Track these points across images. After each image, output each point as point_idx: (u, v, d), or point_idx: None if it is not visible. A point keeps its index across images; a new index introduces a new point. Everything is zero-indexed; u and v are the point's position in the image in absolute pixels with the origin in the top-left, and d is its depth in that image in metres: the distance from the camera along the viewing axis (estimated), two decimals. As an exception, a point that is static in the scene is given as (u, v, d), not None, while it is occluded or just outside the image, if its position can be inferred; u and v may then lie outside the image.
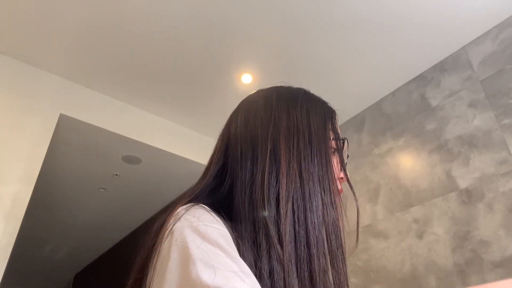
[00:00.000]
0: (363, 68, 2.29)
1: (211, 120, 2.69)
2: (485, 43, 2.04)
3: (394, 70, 2.31)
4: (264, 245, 0.45)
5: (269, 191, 0.49)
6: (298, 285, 0.44)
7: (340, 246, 0.50)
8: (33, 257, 4.80)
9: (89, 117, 2.32)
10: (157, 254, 0.42)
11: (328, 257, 0.48)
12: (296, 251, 0.46)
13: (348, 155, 0.60)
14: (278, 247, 0.45)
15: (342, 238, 0.51)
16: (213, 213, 0.45)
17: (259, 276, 0.42)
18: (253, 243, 0.45)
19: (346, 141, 0.59)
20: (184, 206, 0.46)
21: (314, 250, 0.47)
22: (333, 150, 0.57)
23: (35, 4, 1.86)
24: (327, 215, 0.50)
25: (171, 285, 0.36)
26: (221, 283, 0.34)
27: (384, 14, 1.94)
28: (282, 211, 0.47)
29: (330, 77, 2.35)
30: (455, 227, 1.87)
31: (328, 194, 0.52)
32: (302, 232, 0.47)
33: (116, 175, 2.99)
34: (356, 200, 0.56)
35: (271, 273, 0.43)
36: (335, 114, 0.61)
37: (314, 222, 0.48)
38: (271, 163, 0.51)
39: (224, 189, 0.53)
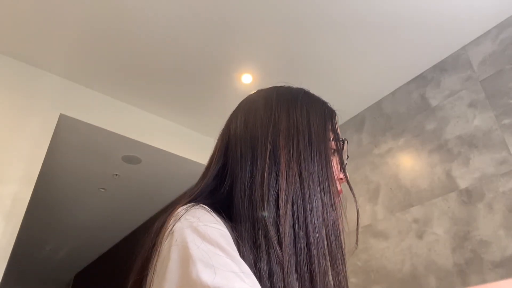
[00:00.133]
0: (363, 68, 2.29)
1: (211, 120, 2.69)
2: (485, 43, 2.04)
3: (394, 70, 2.31)
4: (263, 245, 0.45)
5: (268, 191, 0.49)
6: (298, 286, 0.44)
7: (340, 247, 0.50)
8: (33, 257, 4.80)
9: (89, 117, 2.32)
10: (157, 254, 0.42)
11: (328, 258, 0.48)
12: (295, 252, 0.46)
13: (348, 156, 0.60)
14: (278, 248, 0.45)
15: (342, 239, 0.51)
16: (213, 213, 0.45)
17: (258, 277, 0.42)
18: (252, 244, 0.45)
19: (346, 142, 0.59)
20: (184, 206, 0.46)
21: (314, 251, 0.47)
22: (333, 150, 0.57)
23: (35, 4, 1.86)
24: (327, 216, 0.50)
25: (171, 285, 0.36)
26: (221, 283, 0.34)
27: (384, 14, 1.94)
28: (281, 212, 0.47)
29: (330, 77, 2.35)
30: (455, 227, 1.87)
31: (328, 195, 0.51)
32: (302, 233, 0.47)
33: (116, 175, 2.99)
34: (355, 201, 0.56)
35: (270, 274, 0.43)
36: (335, 115, 0.61)
37: (314, 223, 0.48)
38: (270, 163, 0.51)
39: (224, 189, 0.52)
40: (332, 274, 0.48)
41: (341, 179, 0.57)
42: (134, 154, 2.70)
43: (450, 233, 1.88)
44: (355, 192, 0.56)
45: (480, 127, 1.92)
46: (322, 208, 0.50)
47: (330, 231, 0.49)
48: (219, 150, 0.57)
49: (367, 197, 2.36)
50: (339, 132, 0.59)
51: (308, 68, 2.28)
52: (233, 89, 2.42)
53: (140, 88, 2.43)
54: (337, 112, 0.62)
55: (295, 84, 0.64)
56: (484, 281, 1.69)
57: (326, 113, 0.59)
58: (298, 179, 0.50)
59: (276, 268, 0.44)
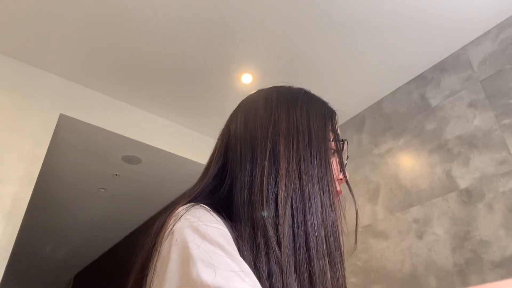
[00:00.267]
0: (363, 68, 2.29)
1: (211, 120, 2.69)
2: (485, 43, 2.04)
3: (394, 70, 2.31)
4: (262, 246, 0.45)
5: (268, 192, 0.49)
6: (297, 287, 0.44)
7: (339, 247, 0.50)
8: (33, 257, 4.80)
9: (89, 117, 2.33)
10: (157, 254, 0.42)
11: (327, 259, 0.48)
12: (295, 252, 0.46)
13: (347, 156, 0.60)
14: (277, 248, 0.45)
15: (341, 240, 0.51)
16: (213, 213, 0.46)
17: (258, 277, 0.42)
18: (252, 244, 0.45)
19: (346, 142, 0.59)
20: (184, 206, 0.46)
21: (313, 252, 0.47)
22: (332, 151, 0.57)
23: (35, 4, 1.86)
24: (326, 216, 0.50)
25: (172, 285, 0.36)
26: (221, 282, 0.34)
27: (384, 14, 1.94)
28: (280, 212, 0.47)
29: (330, 77, 2.35)
30: (455, 227, 1.87)
31: (327, 195, 0.51)
32: (301, 233, 0.47)
33: (116, 175, 2.99)
34: (355, 202, 0.56)
35: (269, 274, 0.43)
36: (335, 115, 0.61)
37: (313, 223, 0.48)
38: (270, 163, 0.51)
39: (224, 189, 0.52)
40: (330, 275, 0.48)
41: (341, 179, 0.57)
42: (134, 154, 2.70)
43: (450, 233, 1.88)
44: (355, 192, 0.56)
45: (480, 127, 1.92)
46: (321, 208, 0.50)
47: (329, 231, 0.49)
48: (219, 150, 0.57)
49: (367, 197, 2.36)
50: (339, 132, 0.59)
51: (308, 68, 2.28)
52: (233, 89, 2.42)
53: (140, 88, 2.43)
54: (337, 112, 0.62)
55: (295, 84, 0.64)
56: (484, 281, 1.69)
57: (326, 113, 0.59)
58: (297, 180, 0.50)
59: (275, 268, 0.44)
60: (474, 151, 1.91)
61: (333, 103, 0.63)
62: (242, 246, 0.44)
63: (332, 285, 0.48)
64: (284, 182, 0.49)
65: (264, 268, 0.43)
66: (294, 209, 0.48)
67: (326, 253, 0.48)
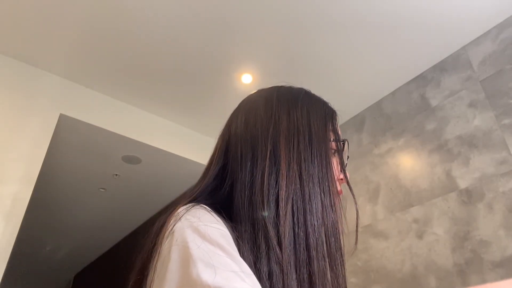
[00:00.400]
0: (363, 68, 2.29)
1: (211, 120, 2.69)
2: (485, 43, 2.04)
3: (394, 70, 2.31)
4: (263, 246, 0.45)
5: (268, 192, 0.49)
6: (297, 287, 0.44)
7: (339, 248, 0.50)
8: (33, 257, 4.80)
9: (89, 117, 2.32)
10: (157, 254, 0.42)
11: (327, 260, 0.48)
12: (295, 253, 0.46)
13: (348, 156, 0.60)
14: (277, 248, 0.45)
15: (341, 240, 0.51)
16: (213, 214, 0.45)
17: (258, 278, 0.42)
18: (253, 244, 0.45)
19: (346, 143, 0.59)
20: (185, 206, 0.46)
21: (313, 253, 0.47)
22: (333, 151, 0.57)
23: (35, 4, 1.86)
24: (327, 217, 0.50)
25: (172, 285, 0.36)
26: (221, 283, 0.34)
27: (384, 14, 1.94)
28: (281, 212, 0.47)
29: (330, 77, 2.35)
30: (455, 227, 1.87)
31: (328, 196, 0.51)
32: (301, 234, 0.47)
33: (116, 175, 2.99)
34: (355, 202, 0.56)
35: (270, 274, 0.43)
36: (336, 115, 0.61)
37: (314, 224, 0.48)
38: (271, 164, 0.51)
39: (224, 189, 0.52)
40: (331, 276, 0.48)
41: (341, 179, 0.57)
42: (134, 154, 2.70)
43: (450, 233, 1.88)
44: (355, 192, 0.55)
45: (480, 127, 1.92)
46: (322, 209, 0.50)
47: (329, 232, 0.49)
48: (219, 150, 0.57)
49: (367, 197, 2.36)
50: (339, 132, 0.59)
51: (308, 68, 2.28)
52: (233, 89, 2.42)
53: (140, 88, 2.43)
54: (337, 112, 0.62)
55: (295, 84, 0.64)
56: (484, 281, 1.69)
57: (326, 113, 0.59)
58: (298, 180, 0.50)
59: (275, 269, 0.44)
60: (474, 151, 1.91)
61: (333, 103, 0.63)
62: (242, 246, 0.44)
63: (332, 285, 0.48)
64: (285, 182, 0.49)
65: (264, 269, 0.43)
66: (294, 210, 0.48)
67: (326, 254, 0.48)
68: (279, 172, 0.50)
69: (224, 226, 0.44)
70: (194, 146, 2.76)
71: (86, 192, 3.29)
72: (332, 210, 0.51)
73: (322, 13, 1.93)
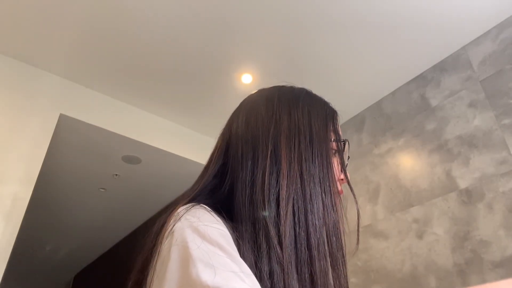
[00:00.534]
0: (363, 68, 2.29)
1: (211, 120, 2.69)
2: (485, 43, 2.04)
3: (394, 70, 2.31)
4: (264, 246, 0.45)
5: (269, 192, 0.49)
6: (299, 287, 0.44)
7: (341, 248, 0.50)
8: (33, 257, 4.80)
9: (89, 117, 2.32)
10: (157, 254, 0.42)
11: (328, 259, 0.48)
12: (296, 252, 0.46)
13: (348, 157, 0.60)
14: (278, 248, 0.45)
15: (343, 240, 0.51)
16: (213, 213, 0.45)
17: (259, 277, 0.42)
18: (253, 244, 0.45)
19: (347, 143, 0.59)
20: (185, 206, 0.46)
21: (315, 252, 0.47)
22: (333, 151, 0.57)
23: (35, 4, 1.86)
24: (328, 217, 0.50)
25: (171, 285, 0.36)
26: (221, 283, 0.34)
27: (384, 14, 1.94)
28: (282, 212, 0.47)
29: (330, 77, 2.35)
30: (455, 227, 1.87)
31: (329, 195, 0.51)
32: (302, 234, 0.47)
33: (116, 175, 2.99)
34: (356, 202, 0.56)
35: (271, 274, 0.43)
36: (337, 115, 0.61)
37: (315, 224, 0.48)
38: (271, 163, 0.51)
39: (224, 189, 0.52)
40: (332, 276, 0.48)
41: (342, 179, 0.57)
42: (134, 154, 2.70)
43: (450, 233, 1.88)
44: (355, 192, 0.55)
45: (480, 127, 1.92)
46: (323, 209, 0.50)
47: (330, 232, 0.49)
48: (219, 149, 0.57)
49: (367, 197, 2.36)
50: (340, 132, 0.59)
51: (308, 68, 2.28)
52: (233, 89, 2.42)
53: (140, 88, 2.43)
54: (338, 112, 0.62)
55: (296, 84, 0.64)
56: (484, 281, 1.69)
57: (327, 113, 0.59)
58: (299, 180, 0.50)
59: (276, 268, 0.44)
60: (474, 151, 1.91)
61: (333, 103, 0.63)
62: (242, 246, 0.44)
63: (334, 285, 0.48)
64: (286, 182, 0.49)
65: (265, 268, 0.43)
66: (295, 209, 0.48)
67: (328, 254, 0.48)
68: (280, 172, 0.50)
69: (224, 226, 0.44)
70: (194, 146, 2.76)
71: (86, 192, 3.29)
72: (333, 210, 0.51)
73: (322, 13, 1.93)
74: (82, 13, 1.92)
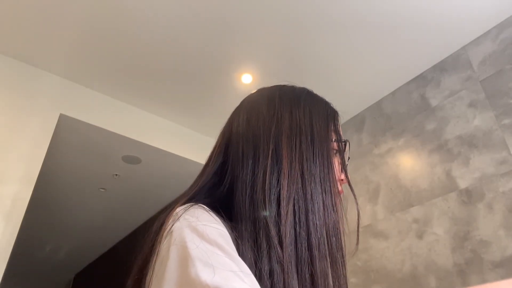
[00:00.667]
0: (363, 68, 2.29)
1: (211, 120, 2.69)
2: (485, 43, 2.04)
3: (394, 70, 2.31)
4: (264, 245, 0.45)
5: (270, 191, 0.49)
6: (299, 287, 0.44)
7: (340, 248, 0.50)
8: (33, 257, 4.80)
9: (89, 117, 2.32)
10: (156, 254, 0.42)
11: (328, 260, 0.48)
12: (296, 252, 0.46)
13: (348, 157, 0.60)
14: (278, 248, 0.45)
15: (342, 240, 0.51)
16: (212, 213, 0.45)
17: (259, 277, 0.42)
18: (253, 243, 0.45)
19: (347, 143, 0.59)
20: (183, 206, 0.46)
21: (315, 252, 0.46)
22: (334, 151, 0.57)
23: (35, 4, 1.86)
24: (328, 217, 0.50)
25: (170, 284, 0.36)
26: (220, 282, 0.34)
27: (384, 14, 1.94)
28: (283, 212, 0.47)
29: (330, 77, 2.35)
30: (455, 227, 1.87)
31: (329, 195, 0.51)
32: (303, 233, 0.47)
33: (116, 175, 2.99)
34: (356, 203, 0.56)
35: (271, 274, 0.43)
36: (338, 115, 0.61)
37: (316, 224, 0.48)
38: (272, 163, 0.51)
39: (224, 188, 0.52)
40: (332, 276, 0.48)
41: (342, 180, 0.57)
42: (134, 154, 2.70)
43: (450, 233, 1.88)
44: (355, 192, 0.55)
45: (480, 127, 1.92)
46: (323, 209, 0.50)
47: (331, 232, 0.49)
48: (219, 147, 0.57)
49: (367, 197, 2.36)
50: (341, 133, 0.59)
51: (308, 68, 2.28)
52: (233, 89, 2.42)
53: (140, 88, 2.43)
54: (338, 112, 0.62)
55: (296, 85, 0.64)
56: (484, 281, 1.69)
57: (328, 113, 0.59)
58: (300, 179, 0.50)
59: (276, 268, 0.44)
60: (474, 151, 1.91)
61: (333, 103, 0.63)
62: (242, 246, 0.44)
63: (333, 285, 0.48)
64: (287, 181, 0.49)
65: (265, 268, 0.43)
66: (296, 209, 0.48)
67: (328, 254, 0.48)
68: (281, 171, 0.50)
69: (223, 225, 0.44)
70: (194, 146, 2.76)
71: (86, 192, 3.29)
72: (334, 210, 0.51)
73: (322, 13, 1.93)
74: (82, 13, 1.92)
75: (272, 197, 0.48)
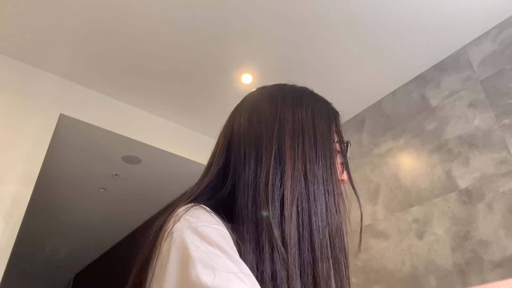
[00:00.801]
0: (363, 68, 2.29)
1: (211, 120, 2.69)
2: (485, 43, 2.03)
3: (394, 70, 2.31)
4: (267, 247, 0.44)
5: (273, 192, 0.48)
6: None
7: (343, 250, 0.49)
8: (33, 257, 4.80)
9: (89, 117, 2.32)
10: (156, 255, 0.42)
11: (331, 261, 0.47)
12: (300, 254, 0.45)
13: (349, 157, 0.60)
14: (282, 250, 0.44)
15: (345, 242, 0.50)
16: (213, 214, 0.45)
17: (260, 279, 0.42)
18: (255, 245, 0.45)
19: (349, 144, 0.59)
20: (184, 207, 0.45)
21: (318, 254, 0.46)
22: (336, 152, 0.57)
23: (36, 4, 1.86)
24: (331, 218, 0.50)
25: (171, 286, 0.36)
26: (220, 284, 0.34)
27: (384, 14, 1.94)
28: (286, 213, 0.47)
29: (330, 77, 2.35)
30: (455, 227, 1.87)
31: (332, 197, 0.51)
32: (306, 235, 0.47)
33: (116, 175, 2.99)
34: (360, 205, 0.55)
35: (273, 276, 0.43)
36: (339, 116, 0.60)
37: (319, 225, 0.48)
38: (275, 163, 0.50)
39: (226, 188, 0.52)
40: (335, 277, 0.47)
41: (342, 180, 0.57)
42: (134, 154, 2.70)
43: (450, 233, 1.88)
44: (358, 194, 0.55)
45: (480, 127, 1.92)
46: (326, 210, 0.50)
47: (334, 233, 0.49)
48: (220, 148, 0.57)
49: (367, 197, 2.36)
50: (342, 134, 0.59)
51: (308, 68, 2.28)
52: (233, 89, 2.42)
53: (140, 88, 2.43)
54: (339, 113, 0.62)
55: (296, 84, 0.64)
56: (484, 281, 1.69)
57: (330, 114, 0.59)
58: (303, 180, 0.50)
59: (280, 270, 0.43)
60: (474, 151, 1.91)
61: (333, 103, 0.63)
62: (243, 247, 0.44)
63: (336, 287, 0.47)
64: (290, 182, 0.49)
65: (267, 270, 0.43)
66: (299, 210, 0.48)
67: (330, 255, 0.48)
68: (284, 172, 0.49)
69: (224, 227, 0.44)
70: (194, 146, 2.76)
71: (86, 192, 3.29)
72: (337, 211, 0.51)
73: (322, 13, 1.93)
74: (82, 13, 1.92)
75: (276, 198, 0.48)
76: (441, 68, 2.22)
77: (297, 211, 0.48)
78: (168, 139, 2.65)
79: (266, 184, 0.49)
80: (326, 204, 0.50)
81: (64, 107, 2.25)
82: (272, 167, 0.50)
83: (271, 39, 2.09)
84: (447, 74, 2.18)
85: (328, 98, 0.63)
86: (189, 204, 0.46)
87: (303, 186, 0.49)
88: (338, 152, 0.57)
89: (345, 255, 0.50)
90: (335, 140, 0.57)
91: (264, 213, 0.47)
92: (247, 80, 2.37)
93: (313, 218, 0.48)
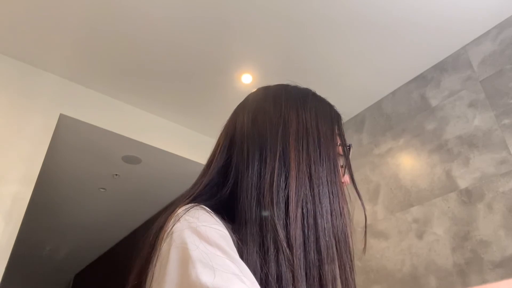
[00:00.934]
0: (363, 68, 2.29)
1: (211, 120, 2.69)
2: (485, 43, 2.03)
3: (394, 70, 2.31)
4: (272, 249, 0.44)
5: (278, 193, 0.48)
6: None
7: (349, 252, 0.49)
8: (33, 257, 4.80)
9: (89, 117, 2.32)
10: (156, 255, 0.41)
11: (336, 263, 0.47)
12: (305, 256, 0.45)
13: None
14: (288, 251, 0.44)
15: (350, 244, 0.50)
16: (213, 214, 0.45)
17: (265, 281, 0.41)
18: (259, 247, 0.44)
19: (351, 147, 0.59)
20: (184, 207, 0.45)
21: (324, 256, 0.46)
22: (339, 155, 0.57)
23: (35, 4, 1.86)
24: (336, 220, 0.49)
25: (171, 286, 0.36)
26: (220, 284, 0.34)
27: (384, 14, 1.94)
28: (291, 214, 0.46)
29: (330, 77, 2.35)
30: (455, 227, 1.87)
31: (337, 199, 0.51)
32: (312, 237, 0.46)
33: (116, 175, 2.99)
34: (364, 208, 0.55)
35: (278, 278, 0.42)
36: (341, 119, 0.61)
37: (324, 226, 0.48)
38: (280, 165, 0.50)
39: (227, 188, 0.51)
40: (341, 279, 0.47)
41: (343, 182, 0.57)
42: (134, 154, 2.70)
43: (450, 233, 1.88)
44: (360, 196, 0.55)
45: (480, 127, 1.92)
46: (331, 212, 0.50)
47: (339, 235, 0.49)
48: (221, 147, 0.56)
49: (367, 197, 2.36)
50: (345, 137, 0.59)
51: (308, 68, 2.28)
52: (233, 89, 2.42)
53: (140, 88, 2.43)
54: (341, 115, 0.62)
55: (298, 84, 0.63)
56: (484, 281, 1.69)
57: (333, 116, 0.59)
58: (308, 182, 0.50)
59: (285, 272, 0.43)
60: (474, 151, 1.91)
61: (333, 103, 0.63)
62: (245, 249, 0.44)
63: None
64: (295, 184, 0.49)
65: (272, 272, 0.42)
66: (304, 212, 0.47)
67: (336, 257, 0.47)
68: (288, 173, 0.49)
69: (224, 227, 0.44)
70: (194, 146, 2.76)
71: (86, 192, 3.29)
72: (341, 213, 0.50)
73: (322, 13, 1.93)
74: (82, 13, 1.92)
75: (281, 199, 0.47)
76: (441, 68, 2.22)
77: (302, 213, 0.47)
78: (168, 139, 2.65)
79: (271, 185, 0.48)
80: (330, 206, 0.50)
81: (64, 107, 2.25)
82: (277, 168, 0.49)
83: (271, 39, 2.09)
84: (447, 74, 2.18)
85: (328, 98, 0.63)
86: (189, 205, 0.46)
87: (308, 188, 0.49)
88: (342, 155, 0.57)
89: (351, 257, 0.49)
90: (338, 143, 0.57)
91: (269, 214, 0.46)
92: (247, 80, 2.37)
93: (319, 220, 0.48)
